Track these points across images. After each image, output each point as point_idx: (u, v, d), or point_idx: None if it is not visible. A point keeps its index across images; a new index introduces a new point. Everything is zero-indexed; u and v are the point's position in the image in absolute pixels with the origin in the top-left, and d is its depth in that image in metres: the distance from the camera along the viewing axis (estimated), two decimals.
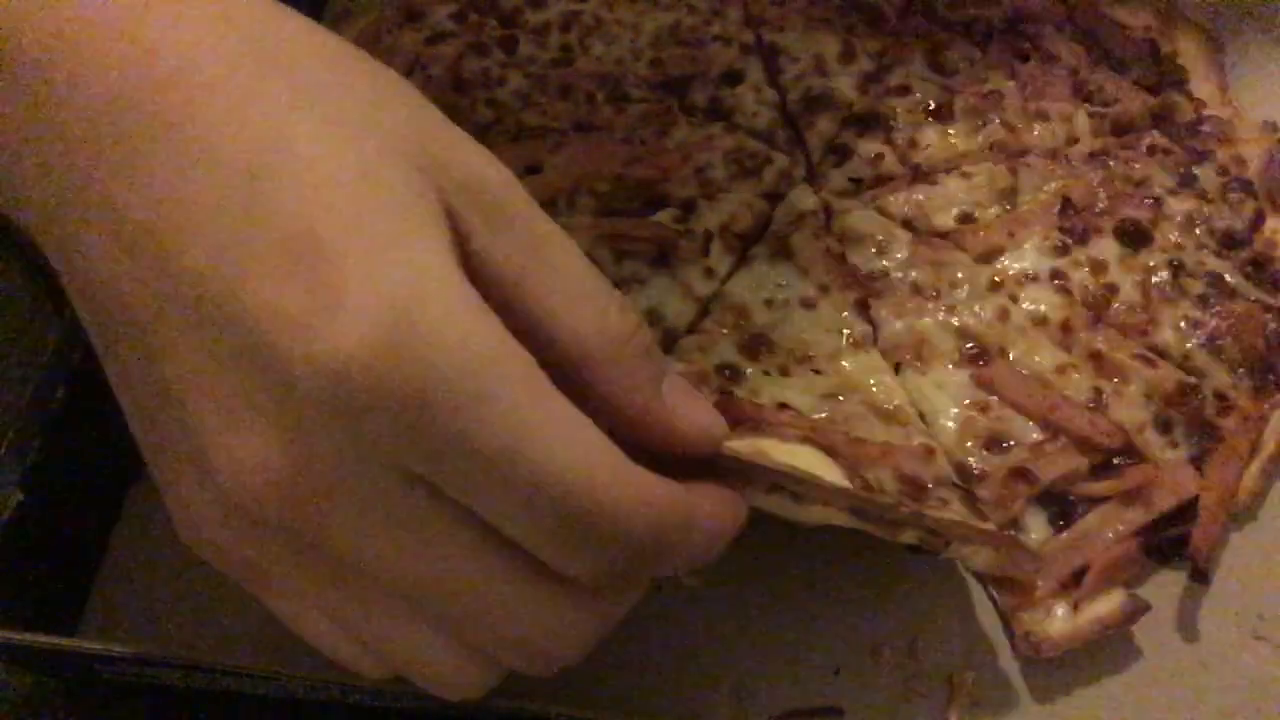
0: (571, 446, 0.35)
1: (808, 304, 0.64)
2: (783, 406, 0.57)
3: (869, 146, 0.74)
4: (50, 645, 0.52)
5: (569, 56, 0.78)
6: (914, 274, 0.67)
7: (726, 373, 0.59)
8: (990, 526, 0.52)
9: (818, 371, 0.60)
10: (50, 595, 0.57)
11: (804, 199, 0.71)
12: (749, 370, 0.60)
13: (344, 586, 0.38)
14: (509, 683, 0.43)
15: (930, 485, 0.53)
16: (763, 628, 0.58)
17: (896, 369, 0.65)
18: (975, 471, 0.60)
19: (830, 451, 0.51)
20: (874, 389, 0.59)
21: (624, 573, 0.38)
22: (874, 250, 0.69)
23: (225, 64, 0.36)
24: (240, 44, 0.36)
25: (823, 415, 0.57)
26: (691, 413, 0.43)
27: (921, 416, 0.62)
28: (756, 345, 0.61)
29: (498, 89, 0.75)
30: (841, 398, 0.58)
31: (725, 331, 0.62)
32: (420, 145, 0.37)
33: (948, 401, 0.62)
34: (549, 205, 0.70)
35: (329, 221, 0.33)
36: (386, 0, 0.80)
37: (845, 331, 0.63)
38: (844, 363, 0.61)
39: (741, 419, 0.53)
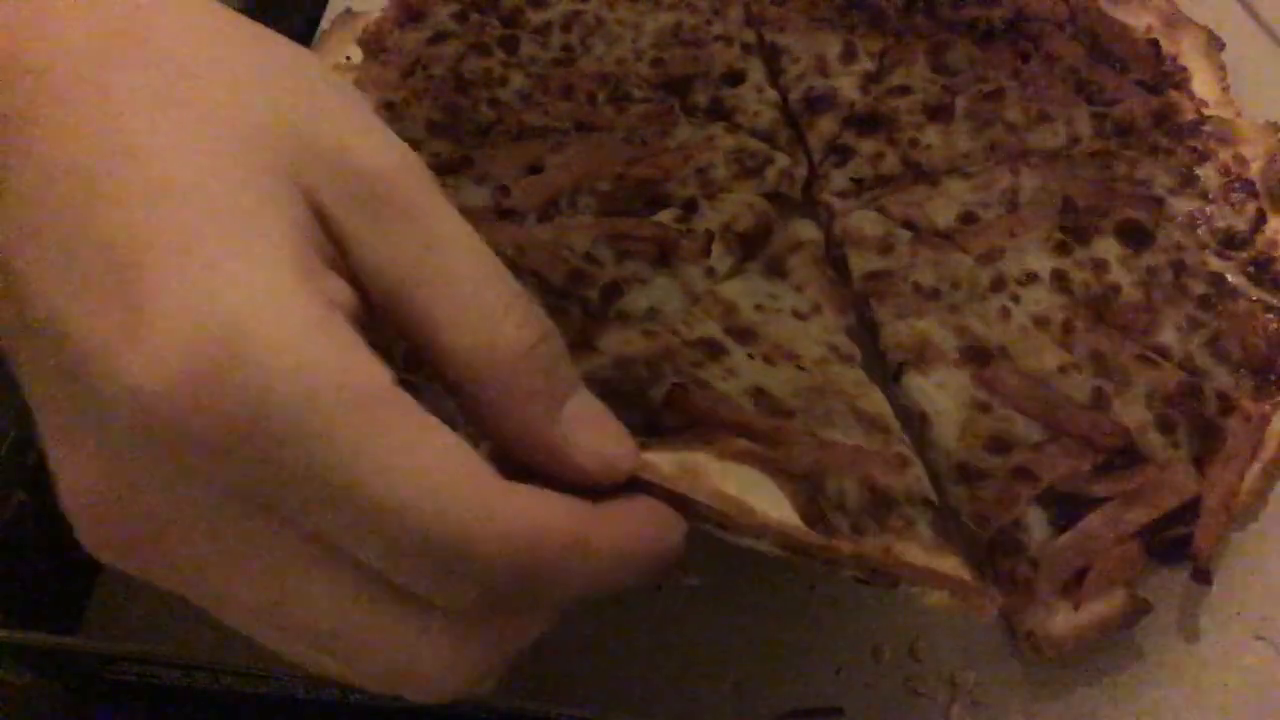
0: (420, 475, 0.32)
1: (799, 315, 0.64)
2: (759, 393, 0.55)
3: (870, 146, 0.74)
4: (52, 644, 0.52)
5: (570, 56, 0.78)
6: (915, 274, 0.67)
7: (708, 348, 0.58)
8: (943, 566, 0.49)
9: (802, 368, 0.59)
10: (52, 594, 0.57)
11: (805, 230, 0.70)
12: (733, 350, 0.59)
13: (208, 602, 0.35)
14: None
15: (900, 500, 0.51)
16: (764, 627, 0.58)
17: (899, 370, 0.65)
18: (977, 471, 0.60)
19: (785, 462, 0.48)
20: (861, 398, 0.58)
21: (501, 604, 0.35)
22: (875, 250, 0.69)
23: (87, 56, 0.33)
24: (107, 31, 0.34)
25: (802, 404, 0.55)
26: (594, 441, 0.39)
27: (923, 417, 0.62)
28: (744, 332, 0.61)
29: (499, 89, 0.75)
30: (827, 395, 0.57)
31: (717, 319, 0.62)
32: (295, 136, 0.34)
33: (949, 402, 0.62)
34: (551, 204, 0.70)
35: (154, 237, 0.31)
36: (389, 1, 0.80)
37: (833, 347, 0.62)
38: (831, 370, 0.60)
39: (693, 416, 0.51)
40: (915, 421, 0.63)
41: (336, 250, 0.35)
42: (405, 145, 0.37)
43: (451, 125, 0.73)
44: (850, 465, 0.51)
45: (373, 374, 0.32)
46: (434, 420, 0.33)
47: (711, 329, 0.60)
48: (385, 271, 0.35)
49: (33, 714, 0.58)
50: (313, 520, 0.32)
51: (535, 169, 0.71)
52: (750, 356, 0.59)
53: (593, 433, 0.39)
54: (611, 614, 0.58)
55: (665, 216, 0.69)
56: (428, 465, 0.32)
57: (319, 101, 0.36)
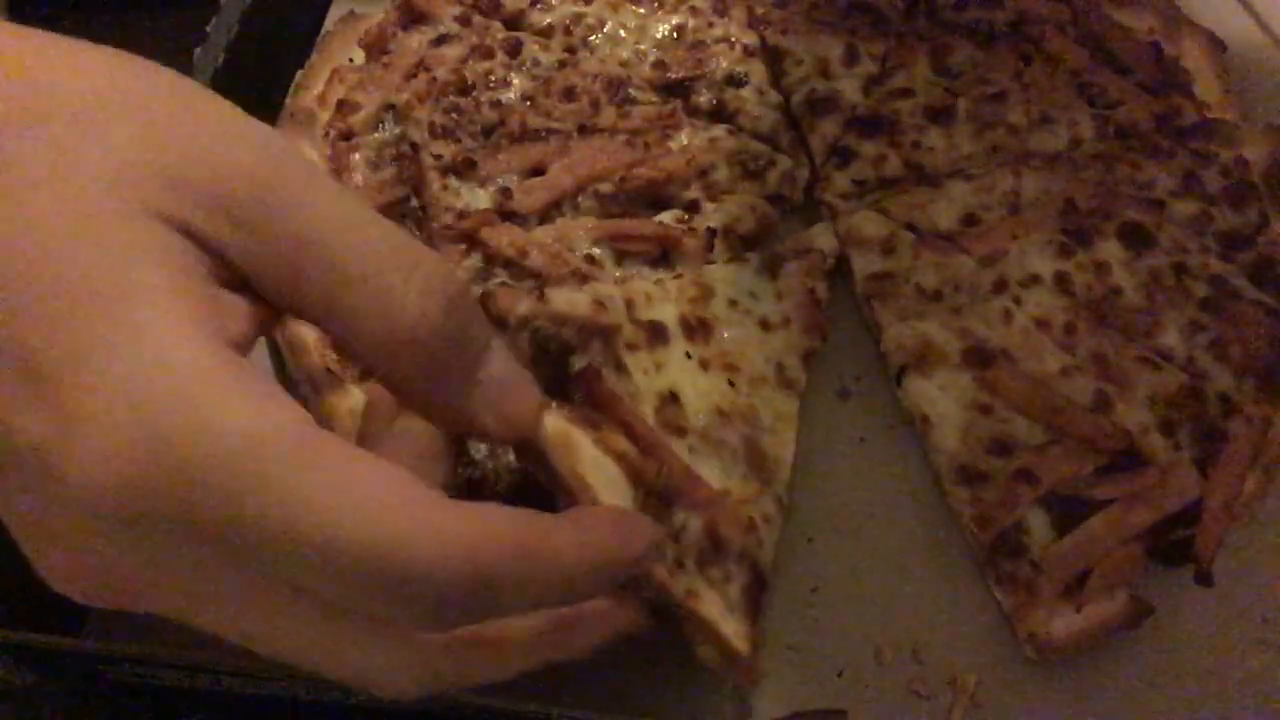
0: (355, 509, 0.32)
1: (766, 325, 0.64)
2: (672, 397, 0.56)
3: (872, 149, 0.74)
4: (54, 645, 0.52)
5: (573, 59, 0.78)
6: (917, 276, 0.67)
7: (653, 333, 0.59)
8: (727, 629, 0.51)
9: (732, 384, 0.60)
10: (55, 595, 0.57)
11: (823, 237, 0.70)
12: (675, 343, 0.59)
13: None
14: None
15: (731, 555, 0.53)
16: (767, 630, 0.58)
17: (901, 373, 0.65)
18: (979, 473, 0.60)
19: (649, 475, 0.50)
20: (770, 433, 0.59)
21: (460, 618, 0.35)
22: (878, 252, 0.69)
23: None
24: None
25: (699, 425, 0.56)
26: (504, 404, 0.40)
27: (925, 419, 0.62)
28: (700, 328, 0.61)
29: (502, 91, 0.75)
30: (734, 423, 0.58)
31: (683, 304, 0.62)
32: (148, 171, 0.33)
33: (951, 404, 0.62)
34: (553, 207, 0.70)
35: (51, 338, 0.31)
36: (392, 3, 0.81)
37: (782, 368, 0.62)
38: (762, 393, 0.60)
39: (597, 401, 0.52)
40: (917, 424, 0.64)
41: (228, 268, 0.35)
42: (267, 136, 0.37)
43: (454, 127, 0.73)
44: (703, 507, 0.52)
45: (287, 420, 0.33)
46: (358, 451, 0.34)
47: (668, 313, 0.60)
48: (276, 269, 0.35)
49: (35, 714, 0.58)
50: (266, 565, 0.33)
51: (538, 171, 0.71)
52: (688, 356, 0.59)
53: (506, 396, 0.40)
54: None
55: (668, 218, 0.70)
56: (357, 498, 0.33)
57: (164, 121, 0.35)
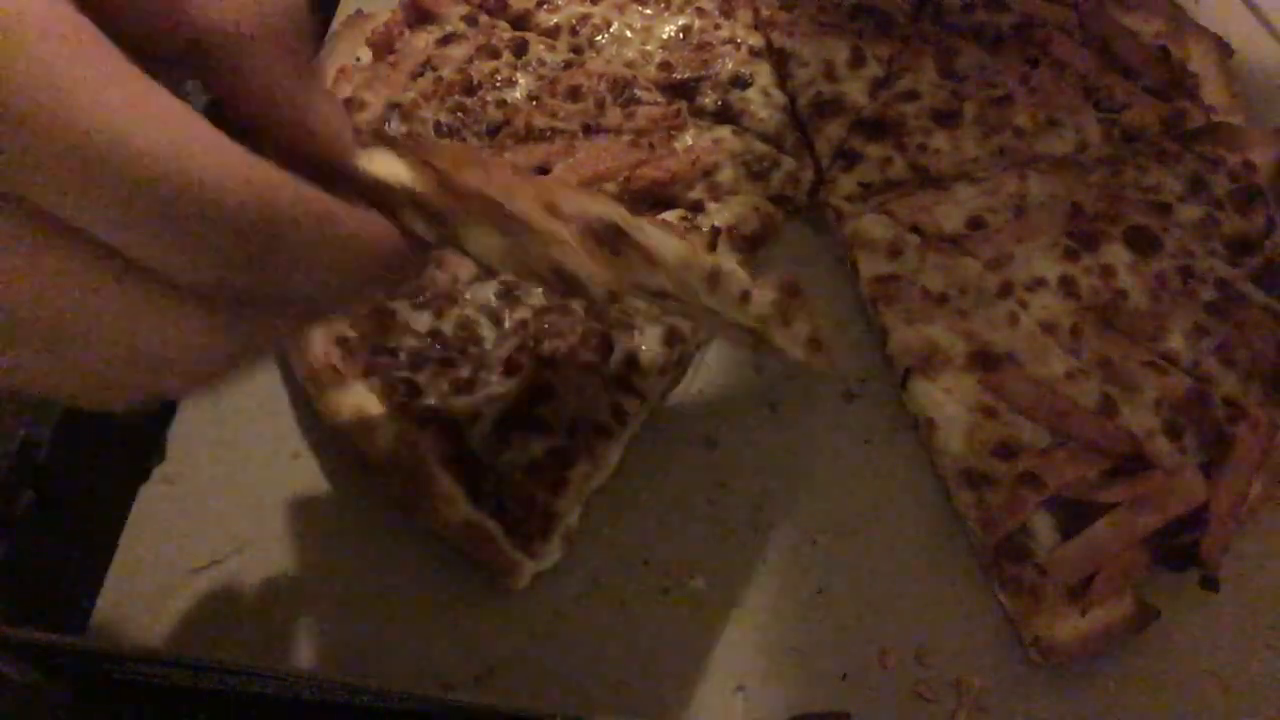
0: (153, 119, 0.29)
1: None
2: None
3: (878, 151, 0.74)
4: (59, 644, 0.52)
5: (579, 59, 0.78)
6: (923, 279, 0.67)
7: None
8: None
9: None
10: (60, 594, 0.58)
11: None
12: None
13: None
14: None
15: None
16: (770, 632, 0.58)
17: (906, 375, 0.64)
18: (984, 477, 0.60)
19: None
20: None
21: (236, 264, 0.33)
22: (884, 254, 0.69)
23: None
24: None
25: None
26: (329, 113, 0.38)
27: (930, 423, 0.62)
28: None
29: (507, 91, 0.75)
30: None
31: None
32: None
33: (956, 407, 0.62)
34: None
35: None
36: (399, 3, 0.81)
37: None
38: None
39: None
40: (922, 426, 0.64)
41: None
42: None
43: (459, 127, 0.73)
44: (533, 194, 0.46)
45: (76, 13, 0.29)
46: (148, 77, 0.30)
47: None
48: None
49: (39, 713, 0.58)
50: (37, 183, 0.29)
51: (542, 171, 0.71)
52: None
53: (328, 107, 0.38)
54: (617, 616, 0.58)
55: (671, 218, 0.70)
56: (158, 110, 0.29)
57: None
